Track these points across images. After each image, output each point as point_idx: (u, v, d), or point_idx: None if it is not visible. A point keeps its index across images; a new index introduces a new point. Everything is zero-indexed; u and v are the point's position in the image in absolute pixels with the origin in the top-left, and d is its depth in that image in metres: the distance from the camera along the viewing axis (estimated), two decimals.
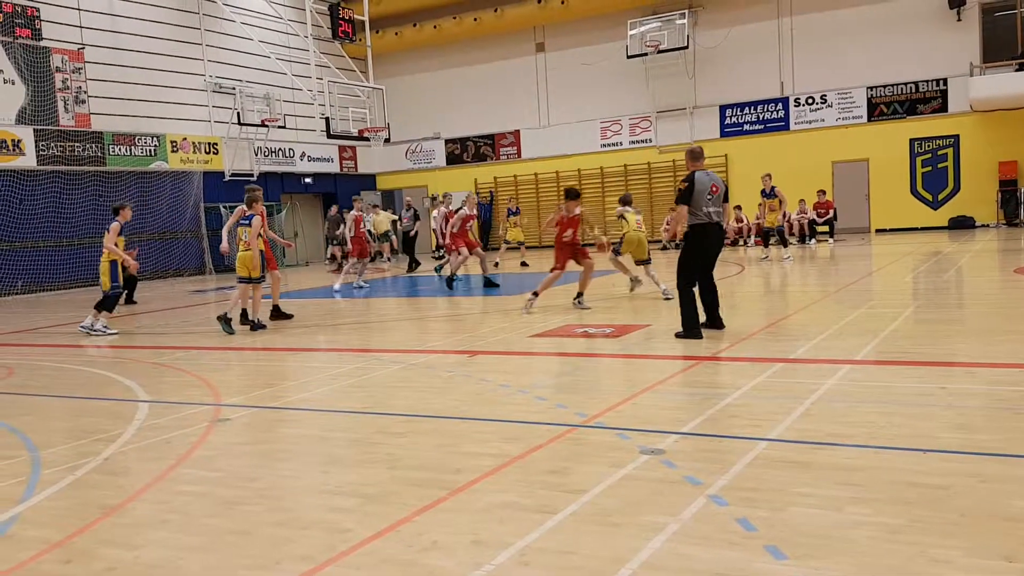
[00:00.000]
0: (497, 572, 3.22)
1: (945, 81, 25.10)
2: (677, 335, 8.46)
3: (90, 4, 23.77)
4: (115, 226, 11.88)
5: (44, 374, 9.02)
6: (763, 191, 18.84)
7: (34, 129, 21.87)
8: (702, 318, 8.63)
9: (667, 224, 26.71)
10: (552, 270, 11.62)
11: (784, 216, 19.51)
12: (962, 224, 25.08)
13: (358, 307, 14.04)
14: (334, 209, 25.64)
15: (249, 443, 5.46)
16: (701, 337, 8.33)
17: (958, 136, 25.17)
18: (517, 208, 23.55)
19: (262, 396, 6.96)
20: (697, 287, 8.64)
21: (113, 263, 11.86)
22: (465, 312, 12.80)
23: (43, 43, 22.24)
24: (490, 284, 15.45)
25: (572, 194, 11.69)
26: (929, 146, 25.62)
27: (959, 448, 4.44)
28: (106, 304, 11.98)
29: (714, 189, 8.50)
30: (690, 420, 5.26)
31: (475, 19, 30.25)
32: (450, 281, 15.56)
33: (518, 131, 31.61)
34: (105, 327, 11.88)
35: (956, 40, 24.79)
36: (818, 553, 3.22)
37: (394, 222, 25.92)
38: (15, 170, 21.33)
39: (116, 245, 11.84)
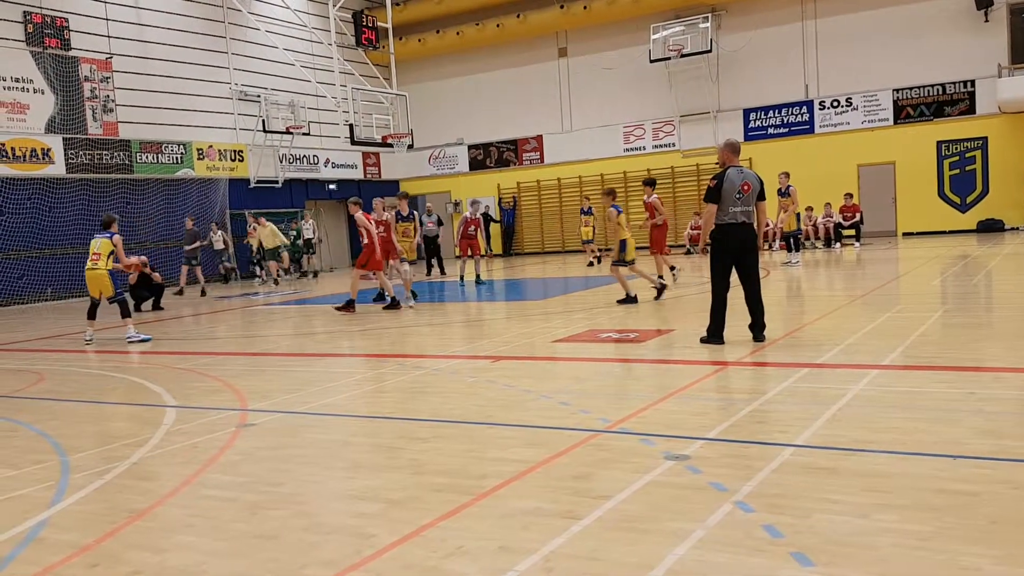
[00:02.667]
0: None
1: (973, 83, 24.81)
2: (701, 339, 8.35)
3: (118, 14, 24.09)
4: (119, 239, 12.15)
5: (73, 379, 9.13)
6: (779, 190, 18.86)
7: (63, 138, 22.19)
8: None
9: (691, 228, 26.68)
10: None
11: (797, 217, 19.43)
12: (991, 227, 24.76)
13: (381, 312, 14.09)
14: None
15: (274, 448, 5.50)
16: (722, 343, 8.14)
17: (986, 138, 24.87)
18: (590, 208, 23.55)
19: (287, 401, 7.01)
20: (744, 295, 8.25)
21: (111, 271, 12.09)
22: (488, 317, 12.81)
23: (72, 53, 22.57)
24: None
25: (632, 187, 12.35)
26: (957, 148, 25.33)
27: (988, 454, 4.38)
28: (125, 310, 12.20)
29: (745, 187, 8.07)
30: (715, 426, 5.22)
31: (498, 25, 30.32)
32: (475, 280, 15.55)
33: (541, 136, 31.62)
34: (136, 332, 12.08)
35: (984, 41, 24.51)
36: (845, 560, 3.18)
37: (298, 234, 26.01)
38: (45, 178, 21.65)
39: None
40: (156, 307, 17.35)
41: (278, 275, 22.88)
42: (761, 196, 8.29)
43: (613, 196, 12.92)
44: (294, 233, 26.00)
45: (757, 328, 8.27)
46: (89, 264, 12.08)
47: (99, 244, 12.06)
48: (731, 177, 8.06)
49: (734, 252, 8.16)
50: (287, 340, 11.26)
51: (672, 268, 15.92)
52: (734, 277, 8.30)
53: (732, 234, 8.11)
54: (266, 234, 22.73)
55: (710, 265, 8.34)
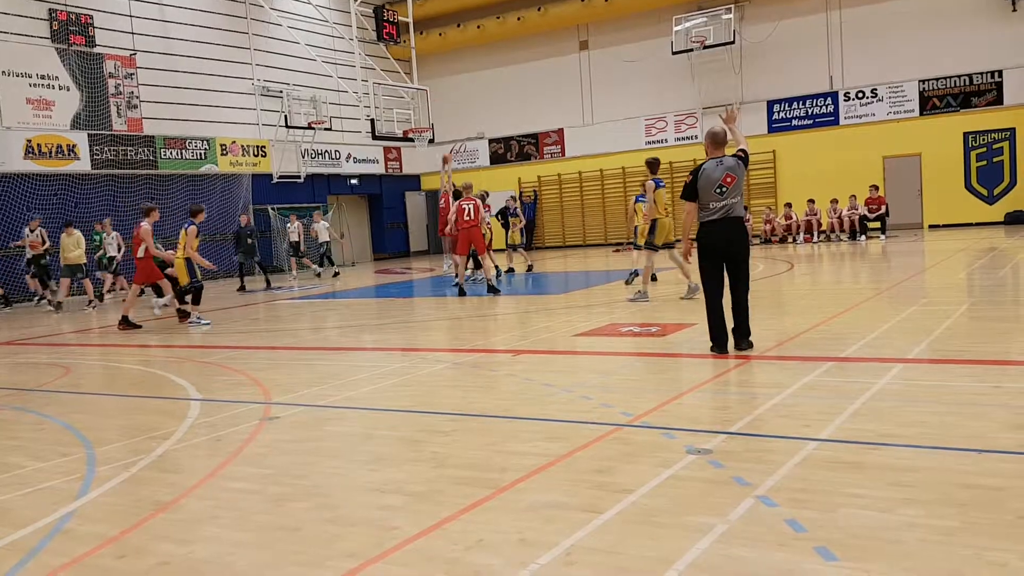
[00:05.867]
0: (543, 571, 3.22)
1: (1000, 73, 24.47)
2: (711, 349, 7.60)
3: (142, 11, 24.28)
4: (193, 229, 12.73)
5: (99, 373, 9.24)
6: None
7: (88, 134, 22.41)
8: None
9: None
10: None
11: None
12: (1019, 219, 24.42)
13: (403, 306, 14.14)
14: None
15: (298, 441, 5.53)
16: (725, 353, 7.44)
17: (1014, 129, 24.52)
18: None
19: (310, 395, 7.05)
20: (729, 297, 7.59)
21: (187, 260, 12.75)
22: (509, 311, 12.82)
23: (96, 50, 22.77)
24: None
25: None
26: (984, 140, 25.00)
27: (1015, 448, 4.33)
28: (196, 298, 12.88)
29: (727, 180, 7.40)
30: (738, 420, 5.20)
31: (518, 18, 30.25)
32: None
33: (562, 130, 31.54)
34: (199, 318, 12.82)
35: (1011, 31, 24.15)
36: (869, 555, 3.16)
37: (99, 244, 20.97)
38: (70, 174, 21.88)
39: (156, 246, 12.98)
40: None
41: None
42: (745, 163, 7.69)
43: (654, 168, 12.52)
44: (96, 239, 20.55)
45: (739, 334, 7.53)
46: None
47: (181, 233, 12.88)
48: (708, 171, 7.51)
49: (720, 251, 7.47)
50: (310, 334, 11.33)
51: None
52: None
53: (715, 231, 7.45)
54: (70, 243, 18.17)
55: (699, 269, 7.69)
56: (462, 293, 14.44)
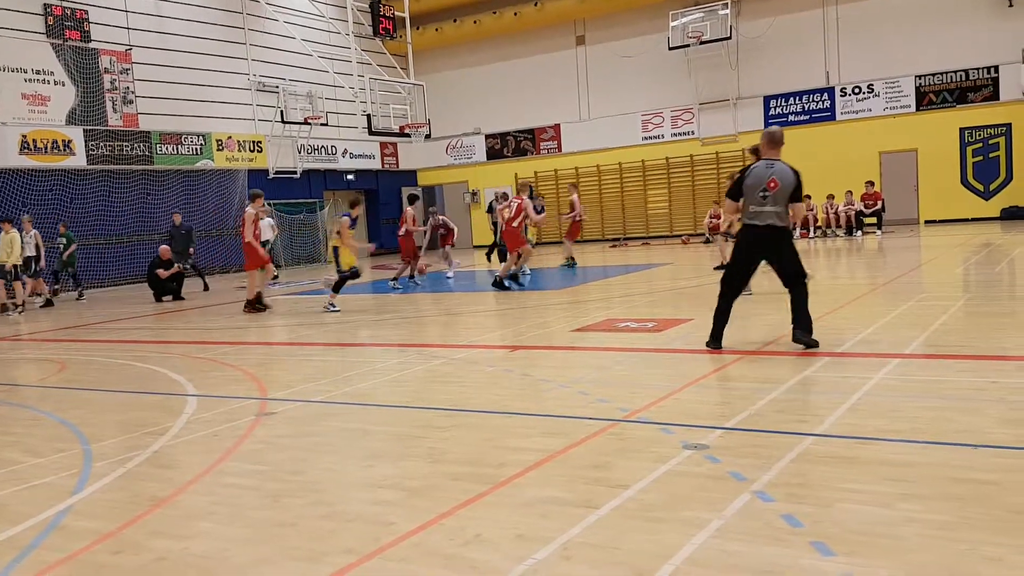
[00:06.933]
0: (540, 566, 3.22)
1: (996, 68, 24.49)
2: (707, 343, 7.53)
3: (137, 6, 24.21)
4: (347, 220, 13.11)
5: (95, 369, 9.22)
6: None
7: (84, 129, 22.36)
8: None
9: (711, 217, 26.53)
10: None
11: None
12: (1015, 215, 24.47)
13: (400, 302, 14.13)
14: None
15: (294, 437, 5.53)
16: (719, 348, 7.39)
17: (1010, 125, 24.55)
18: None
19: (306, 390, 7.04)
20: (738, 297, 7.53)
21: (336, 249, 13.26)
22: (506, 307, 12.81)
23: (92, 45, 22.72)
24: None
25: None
26: (980, 135, 25.03)
27: (1011, 443, 4.34)
28: (338, 286, 13.23)
29: (771, 185, 7.05)
30: (734, 415, 5.20)
31: (515, 13, 30.22)
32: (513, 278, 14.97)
33: (558, 125, 31.53)
34: (332, 305, 12.93)
35: (1008, 26, 24.17)
36: (866, 550, 3.16)
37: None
38: (66, 170, 21.83)
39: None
40: (177, 297, 17.48)
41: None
42: (795, 197, 7.14)
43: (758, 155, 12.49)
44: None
45: (799, 325, 7.23)
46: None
47: (337, 223, 13.41)
48: (756, 172, 7.17)
49: (754, 255, 7.36)
50: (306, 330, 11.31)
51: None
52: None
53: (753, 236, 7.22)
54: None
55: (730, 260, 7.61)
56: (518, 285, 14.48)
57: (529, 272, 17.50)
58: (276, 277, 21.29)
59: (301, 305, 14.73)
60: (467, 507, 3.90)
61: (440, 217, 19.16)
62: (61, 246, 18.80)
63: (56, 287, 19.44)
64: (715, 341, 7.49)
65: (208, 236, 24.92)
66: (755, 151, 11.00)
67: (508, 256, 15.51)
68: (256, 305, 13.56)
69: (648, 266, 17.45)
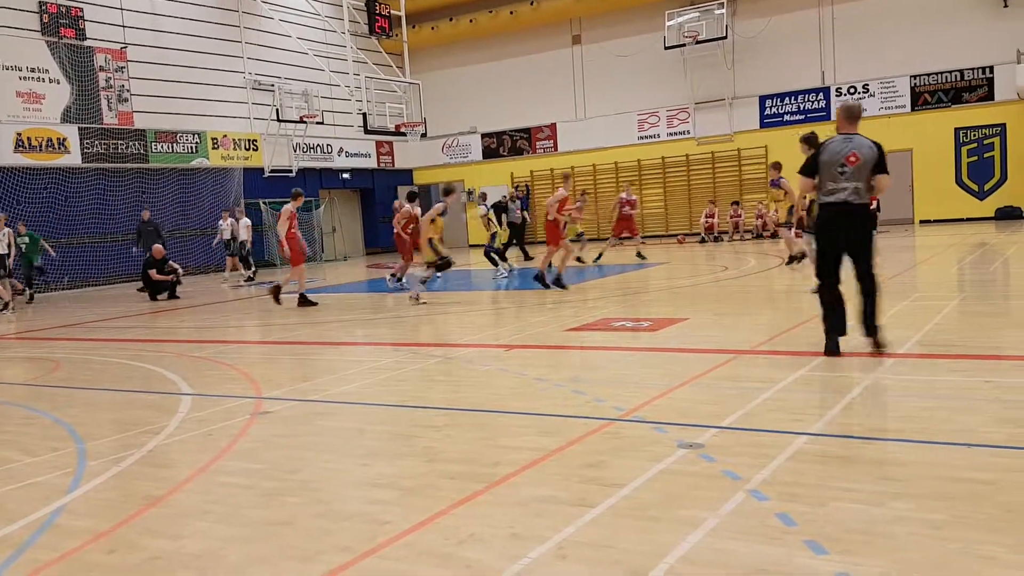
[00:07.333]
0: (534, 565, 3.22)
1: (991, 69, 24.54)
2: (825, 349, 6.83)
3: (132, 3, 24.16)
4: (440, 207, 13.30)
5: (90, 368, 9.21)
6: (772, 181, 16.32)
7: (79, 127, 22.31)
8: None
9: (705, 216, 26.56)
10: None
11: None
12: (1009, 215, 24.53)
13: (395, 301, 14.12)
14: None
15: (289, 435, 5.53)
16: (837, 354, 6.71)
17: (1004, 125, 24.60)
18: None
19: (302, 389, 7.04)
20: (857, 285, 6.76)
21: (430, 240, 13.57)
22: (502, 306, 12.81)
23: (87, 43, 22.66)
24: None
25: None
26: (975, 135, 25.07)
27: (1005, 443, 4.35)
28: (432, 271, 13.52)
29: (851, 159, 6.65)
30: (729, 414, 5.21)
31: (511, 12, 30.21)
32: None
33: (554, 124, 31.52)
34: (417, 296, 12.99)
35: (1003, 27, 24.22)
36: (860, 548, 3.17)
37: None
38: (60, 168, 21.78)
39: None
40: (172, 296, 17.45)
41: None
42: (880, 168, 6.75)
43: (813, 144, 11.82)
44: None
45: (865, 325, 6.73)
46: None
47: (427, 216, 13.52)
48: (832, 148, 6.78)
49: (836, 238, 6.75)
50: (301, 329, 11.30)
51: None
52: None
53: (833, 217, 6.72)
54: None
55: (816, 252, 6.99)
56: (560, 285, 13.40)
57: (515, 268, 17.45)
58: (251, 277, 21.38)
59: (296, 304, 14.70)
60: (462, 506, 3.91)
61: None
62: (23, 246, 18.43)
63: (29, 289, 18.98)
64: (833, 343, 6.78)
65: (204, 235, 24.88)
66: (807, 140, 10.57)
67: (552, 251, 14.03)
68: (306, 300, 13.58)
69: (643, 266, 17.46)
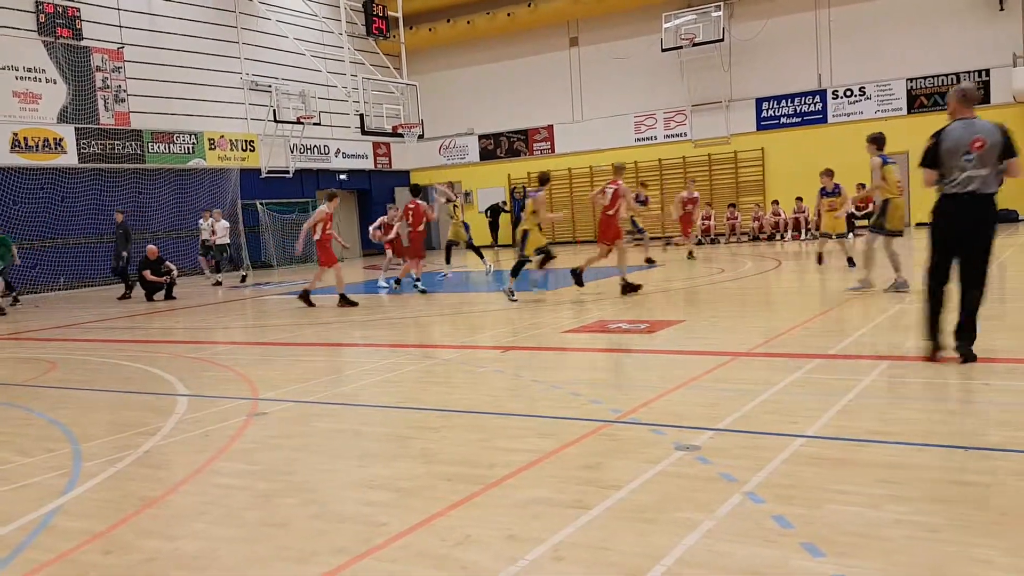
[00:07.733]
0: (531, 567, 3.22)
1: (987, 72, 24.59)
2: (926, 354, 6.50)
3: (129, 4, 24.12)
4: (542, 196, 13.10)
5: (86, 368, 9.19)
6: (823, 190, 16.11)
7: (75, 128, 22.27)
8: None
9: (703, 219, 26.56)
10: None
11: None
12: (1004, 218, 24.55)
13: (393, 303, 14.12)
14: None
15: (285, 437, 5.52)
16: (934, 357, 6.35)
17: None
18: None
19: (298, 391, 7.03)
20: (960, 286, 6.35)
21: (527, 232, 13.14)
22: (498, 307, 12.81)
23: (84, 43, 22.62)
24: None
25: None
26: None
27: (1001, 446, 4.36)
28: (516, 269, 13.03)
29: (976, 145, 6.16)
30: (725, 416, 5.21)
31: (508, 14, 30.22)
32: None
33: (551, 126, 31.54)
34: (511, 292, 12.68)
35: (999, 30, 24.29)
36: (856, 551, 3.18)
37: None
38: (57, 168, 21.74)
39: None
40: (168, 296, 17.42)
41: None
42: (1009, 152, 6.21)
43: (880, 144, 10.76)
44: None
45: (960, 334, 6.33)
46: None
47: (527, 204, 13.28)
48: (953, 133, 6.34)
49: (957, 233, 6.22)
50: (298, 330, 11.29)
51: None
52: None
53: (955, 209, 6.19)
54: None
55: (929, 248, 6.49)
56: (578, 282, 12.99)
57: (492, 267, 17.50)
58: (245, 278, 21.39)
59: (293, 305, 14.69)
60: (458, 508, 3.91)
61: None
62: None
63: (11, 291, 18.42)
64: (934, 344, 6.39)
65: (201, 236, 24.79)
66: (874, 140, 10.55)
67: (604, 250, 13.18)
68: (347, 300, 13.44)
69: (641, 267, 17.46)
